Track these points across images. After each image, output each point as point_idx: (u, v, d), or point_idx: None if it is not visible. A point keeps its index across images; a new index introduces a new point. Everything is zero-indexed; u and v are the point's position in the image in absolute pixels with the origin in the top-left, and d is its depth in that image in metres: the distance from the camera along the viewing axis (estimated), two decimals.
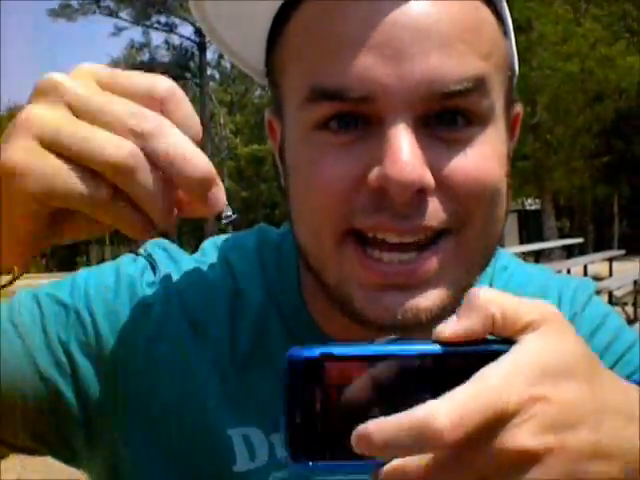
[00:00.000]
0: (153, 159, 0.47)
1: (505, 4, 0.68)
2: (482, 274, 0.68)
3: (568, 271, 10.23)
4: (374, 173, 0.60)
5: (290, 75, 0.66)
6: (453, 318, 0.46)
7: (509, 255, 0.87)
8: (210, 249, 0.80)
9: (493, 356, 0.44)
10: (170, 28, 33.20)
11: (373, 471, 0.43)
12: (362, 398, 0.45)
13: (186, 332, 0.73)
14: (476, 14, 0.64)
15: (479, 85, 0.62)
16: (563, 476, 0.43)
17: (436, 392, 0.42)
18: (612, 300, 9.38)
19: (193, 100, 35.16)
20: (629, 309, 9.78)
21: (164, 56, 34.67)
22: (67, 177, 0.47)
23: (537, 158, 19.53)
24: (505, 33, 0.68)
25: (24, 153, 0.47)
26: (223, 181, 0.52)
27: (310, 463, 0.45)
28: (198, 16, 0.70)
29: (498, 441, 0.41)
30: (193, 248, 0.85)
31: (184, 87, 37.54)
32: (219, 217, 0.50)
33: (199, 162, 0.48)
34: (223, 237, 0.82)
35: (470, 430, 0.40)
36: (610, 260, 13.48)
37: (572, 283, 0.85)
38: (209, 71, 34.78)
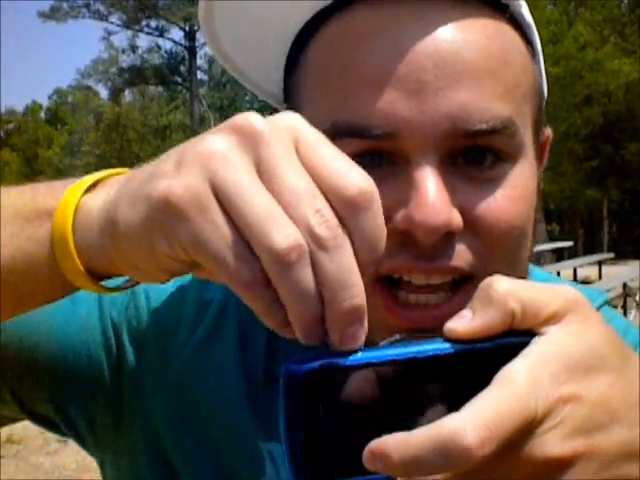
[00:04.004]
0: (313, 263, 0.40)
1: (533, 28, 0.66)
2: None
3: (558, 274, 10.25)
4: (400, 215, 0.57)
5: (309, 105, 0.63)
6: (466, 313, 0.42)
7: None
8: None
9: (512, 350, 0.40)
10: (160, 32, 33.21)
11: None
12: (371, 410, 0.41)
13: (236, 338, 0.71)
14: (504, 40, 0.61)
15: (507, 125, 0.59)
16: None
17: (455, 397, 0.39)
18: None
19: (183, 104, 35.23)
20: (619, 312, 9.80)
21: (154, 58, 34.66)
22: (223, 242, 0.40)
23: None
24: (533, 57, 0.66)
25: (191, 195, 0.41)
26: None
27: None
28: (211, 43, 0.67)
29: (526, 449, 0.39)
30: None
31: (174, 91, 37.55)
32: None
33: (354, 295, 0.41)
34: None
35: (500, 443, 0.37)
36: (599, 263, 13.56)
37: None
38: (199, 75, 34.80)
